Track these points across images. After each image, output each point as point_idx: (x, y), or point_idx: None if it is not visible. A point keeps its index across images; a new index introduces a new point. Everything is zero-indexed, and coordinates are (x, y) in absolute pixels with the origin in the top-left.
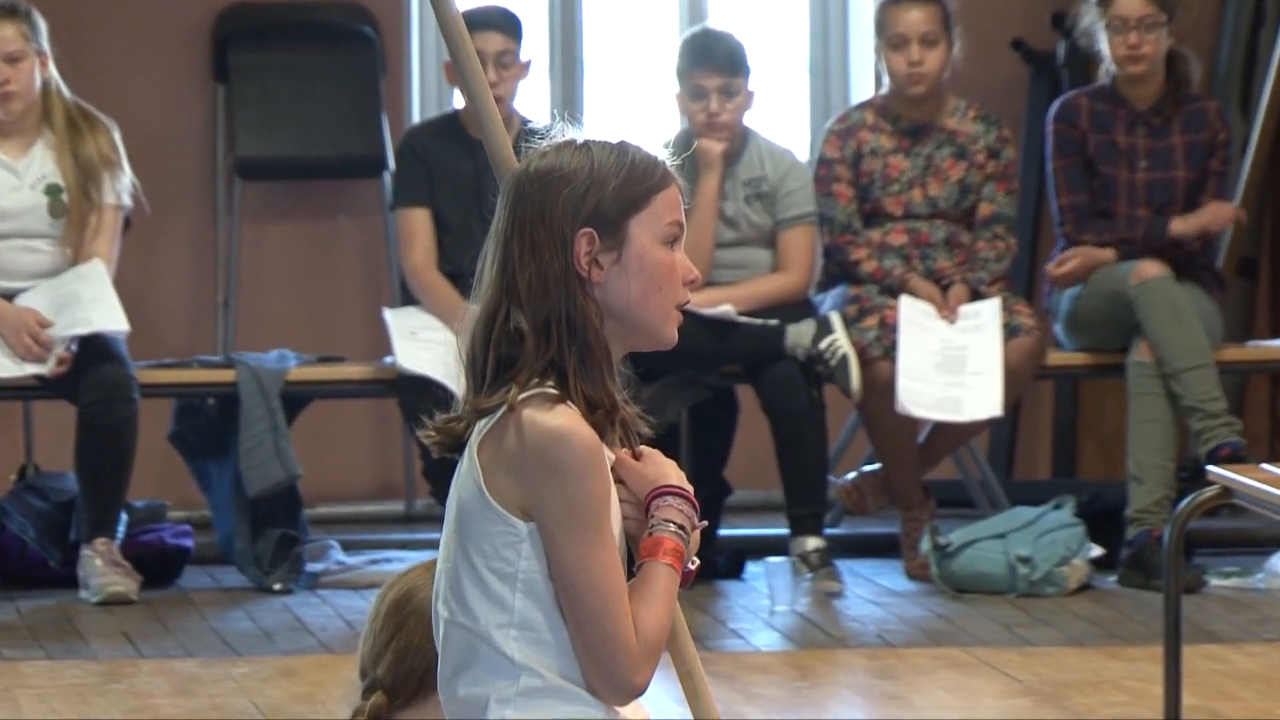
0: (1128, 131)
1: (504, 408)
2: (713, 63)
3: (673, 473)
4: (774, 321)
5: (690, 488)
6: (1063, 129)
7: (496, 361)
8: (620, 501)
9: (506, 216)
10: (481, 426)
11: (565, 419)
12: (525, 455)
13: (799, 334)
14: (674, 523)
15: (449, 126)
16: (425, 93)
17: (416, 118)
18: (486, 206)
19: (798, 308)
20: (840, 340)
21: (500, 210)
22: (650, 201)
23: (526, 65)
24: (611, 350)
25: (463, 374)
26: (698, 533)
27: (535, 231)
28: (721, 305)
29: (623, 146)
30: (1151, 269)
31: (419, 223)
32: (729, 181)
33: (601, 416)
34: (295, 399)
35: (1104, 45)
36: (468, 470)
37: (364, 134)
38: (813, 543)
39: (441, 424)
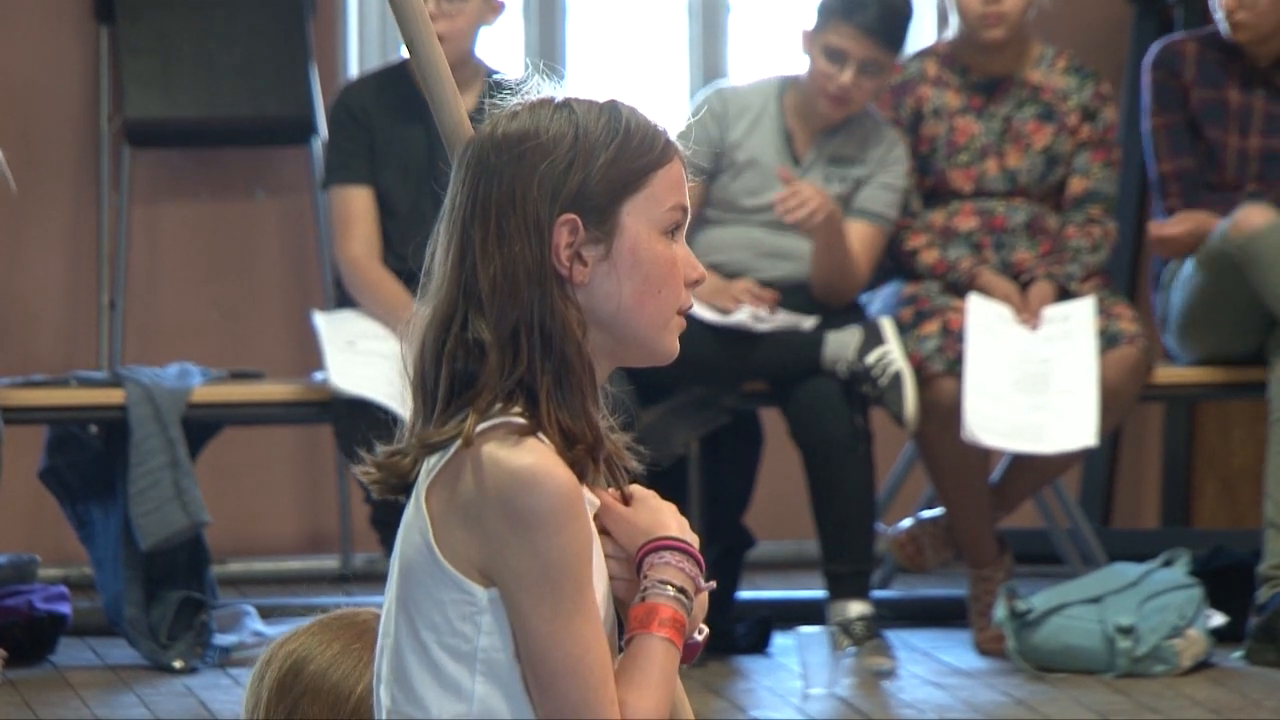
0: (1243, 89)
1: (458, 441)
2: (865, 23)
3: (671, 520)
4: (809, 323)
5: (694, 539)
6: (1162, 78)
7: (451, 380)
8: (605, 558)
9: (465, 195)
10: (431, 465)
11: (536, 457)
12: (485, 503)
13: (841, 344)
14: (672, 584)
15: (394, 82)
16: (365, 38)
17: (354, 71)
18: (442, 185)
19: (839, 309)
20: (893, 353)
21: (456, 186)
22: (648, 181)
23: (497, 2)
24: (595, 367)
25: (409, 394)
26: (704, 596)
27: (503, 215)
28: (738, 313)
29: (614, 109)
30: (1256, 216)
31: (358, 206)
32: (811, 152)
33: (582, 453)
34: (201, 426)
35: None
36: (413, 521)
37: (287, 90)
38: (857, 608)
39: (383, 458)
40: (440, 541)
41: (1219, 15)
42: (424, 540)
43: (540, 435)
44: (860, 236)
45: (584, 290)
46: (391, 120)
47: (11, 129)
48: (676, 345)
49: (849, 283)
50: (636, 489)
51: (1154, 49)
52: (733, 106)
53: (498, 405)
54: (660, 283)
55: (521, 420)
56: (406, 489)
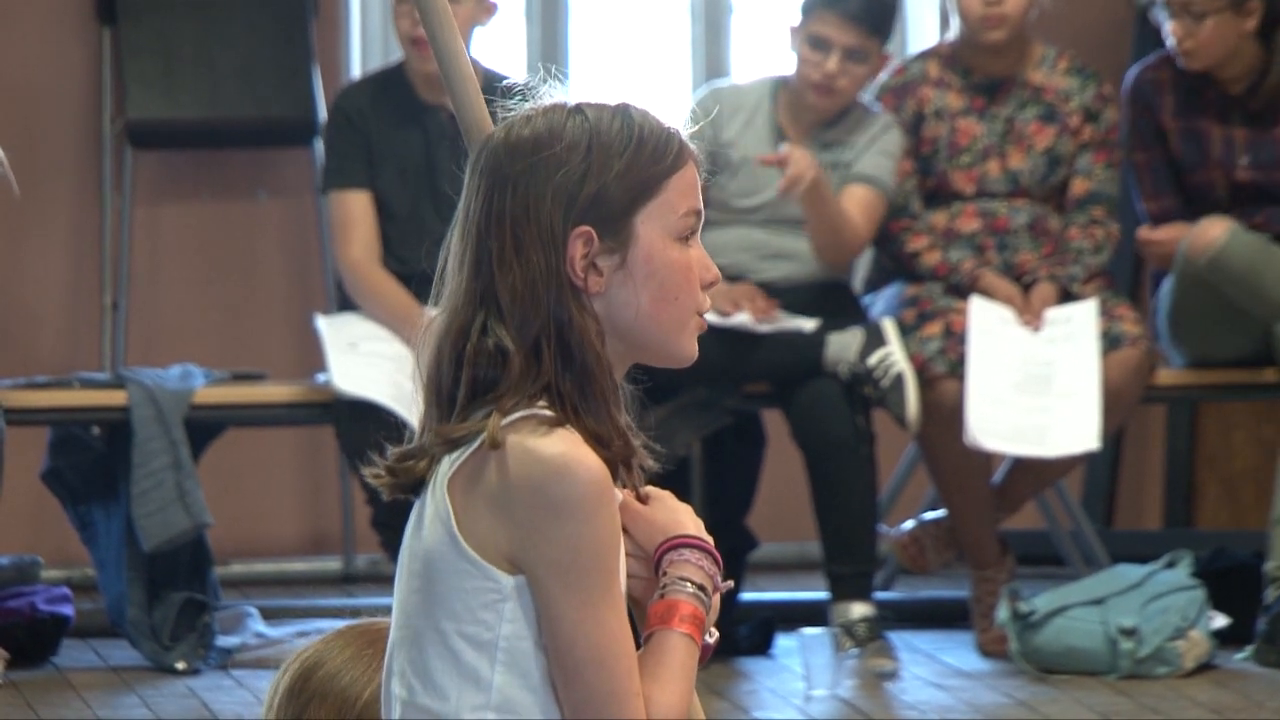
0: (1221, 121)
1: (482, 437)
2: (847, 10)
3: (688, 520)
4: (810, 326)
5: (710, 539)
6: (1139, 114)
7: (471, 383)
8: (624, 555)
9: (480, 204)
10: (453, 459)
11: (566, 445)
12: (514, 490)
13: (843, 345)
14: (692, 582)
15: (390, 85)
16: (367, 39)
17: (356, 72)
18: (440, 190)
19: (841, 310)
20: (895, 355)
21: (471, 194)
22: (662, 188)
23: (490, 3)
24: (614, 370)
25: (421, 397)
26: (718, 598)
27: (518, 226)
28: (738, 316)
29: (626, 114)
30: (1212, 230)
31: (358, 210)
32: (804, 143)
33: (614, 456)
34: (203, 427)
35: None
36: (434, 512)
37: (289, 91)
38: (859, 610)
39: (395, 461)
40: (464, 530)
41: (1171, 43)
42: (446, 530)
43: (568, 426)
44: (859, 200)
45: (601, 299)
46: (388, 123)
47: (13, 130)
48: (696, 348)
49: (847, 245)
50: (652, 489)
51: (1129, 76)
52: (726, 105)
53: (521, 403)
54: (676, 289)
55: (548, 412)
56: (417, 489)
